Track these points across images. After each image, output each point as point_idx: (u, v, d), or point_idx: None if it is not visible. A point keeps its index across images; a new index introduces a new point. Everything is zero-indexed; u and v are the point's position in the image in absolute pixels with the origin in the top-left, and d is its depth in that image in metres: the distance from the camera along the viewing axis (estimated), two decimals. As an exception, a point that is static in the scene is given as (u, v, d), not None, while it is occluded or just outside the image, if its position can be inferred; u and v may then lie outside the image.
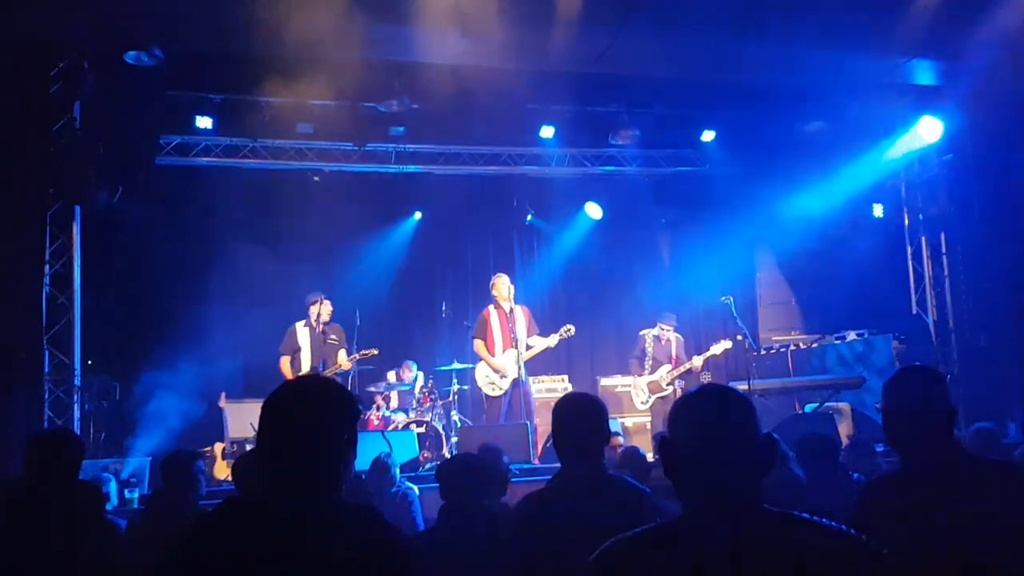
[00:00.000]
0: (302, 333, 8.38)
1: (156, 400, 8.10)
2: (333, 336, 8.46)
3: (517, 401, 8.00)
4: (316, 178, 10.33)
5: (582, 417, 2.82)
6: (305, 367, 8.31)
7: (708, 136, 10.55)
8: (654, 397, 9.06)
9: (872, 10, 6.51)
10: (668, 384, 9.04)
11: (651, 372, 9.15)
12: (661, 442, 1.76)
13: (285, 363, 8.36)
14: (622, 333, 11.29)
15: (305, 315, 8.43)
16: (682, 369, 8.96)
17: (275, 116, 9.22)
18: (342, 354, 8.45)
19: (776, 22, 6.34)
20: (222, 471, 8.30)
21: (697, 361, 8.91)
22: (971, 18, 6.59)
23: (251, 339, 9.53)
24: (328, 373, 8.19)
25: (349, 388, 8.27)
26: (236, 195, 9.86)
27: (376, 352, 8.43)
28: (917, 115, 9.44)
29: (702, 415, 1.73)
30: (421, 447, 8.26)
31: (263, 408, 1.87)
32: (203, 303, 9.69)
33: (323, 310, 8.30)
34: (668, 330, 9.20)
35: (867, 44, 6.75)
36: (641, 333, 9.40)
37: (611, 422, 9.11)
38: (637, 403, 9.20)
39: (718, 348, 8.96)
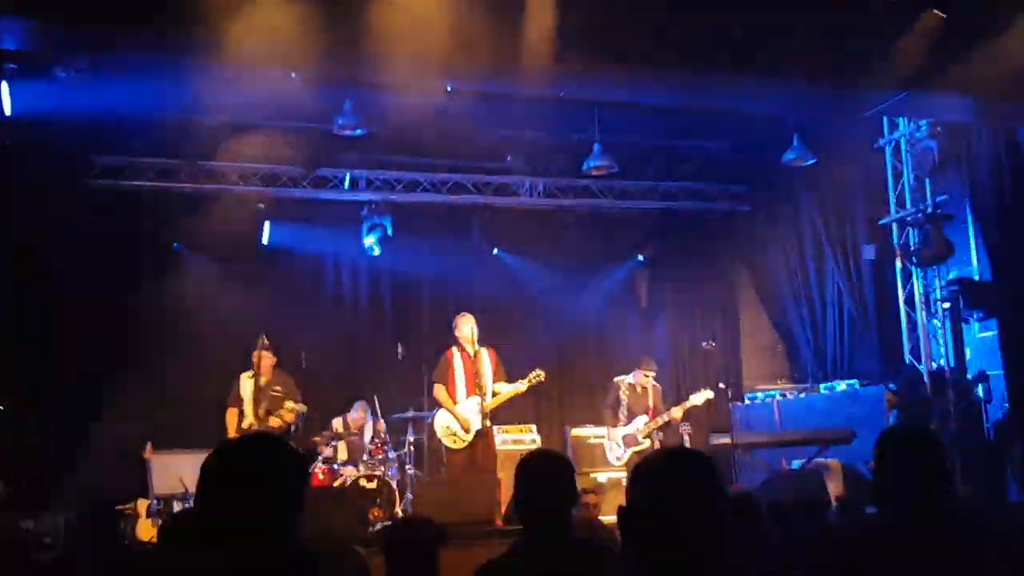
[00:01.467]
0: (245, 384, 8.43)
1: (72, 446, 7.93)
2: (278, 387, 8.48)
3: (481, 454, 7.95)
4: (261, 204, 10.29)
5: (548, 478, 2.83)
6: (248, 419, 8.34)
7: (688, 168, 10.74)
8: (630, 451, 9.01)
9: (861, 45, 6.74)
10: (645, 437, 9.03)
11: (626, 423, 9.15)
12: (620, 514, 1.79)
13: (230, 416, 8.39)
14: (595, 379, 11.32)
15: (250, 365, 8.48)
16: (660, 421, 8.96)
17: (216, 135, 9.19)
18: (288, 406, 8.46)
19: (762, 55, 6.53)
20: (146, 531, 8.10)
21: (676, 412, 8.90)
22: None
23: (185, 382, 9.42)
24: (271, 427, 8.20)
25: (292, 441, 8.31)
26: (171, 222, 9.79)
27: (304, 408, 8.39)
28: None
29: (659, 477, 1.77)
30: (373, 504, 8.15)
31: (201, 472, 1.86)
32: (132, 340, 9.57)
33: (263, 359, 8.41)
34: (648, 377, 9.21)
35: (856, 80, 6.96)
36: (615, 380, 9.34)
37: (587, 476, 9.09)
38: (611, 458, 9.14)
39: (699, 398, 8.97)
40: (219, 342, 9.79)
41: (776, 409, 9.97)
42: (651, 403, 9.18)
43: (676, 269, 12.01)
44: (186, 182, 9.98)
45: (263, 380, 8.46)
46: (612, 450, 9.13)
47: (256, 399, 8.36)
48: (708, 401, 9.02)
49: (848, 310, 10.57)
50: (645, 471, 1.83)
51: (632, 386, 9.25)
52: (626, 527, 1.79)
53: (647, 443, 9.01)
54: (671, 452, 1.86)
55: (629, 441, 9.07)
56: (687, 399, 9.01)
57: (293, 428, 8.45)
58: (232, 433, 8.31)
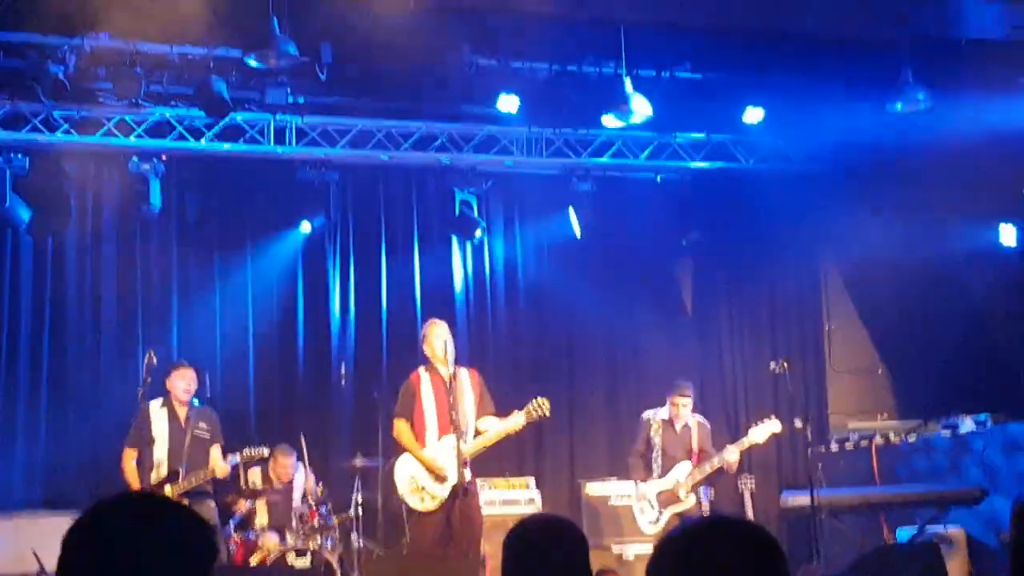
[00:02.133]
0: (158, 417, 8.54)
1: None
2: (203, 424, 8.60)
3: (459, 519, 7.97)
4: (146, 166, 10.26)
5: (549, 556, 2.84)
6: (162, 469, 8.45)
7: (754, 116, 10.74)
8: (668, 513, 9.06)
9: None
10: (689, 492, 9.07)
11: (662, 474, 9.16)
12: None
13: (129, 460, 8.50)
14: (619, 413, 11.36)
15: (163, 391, 8.55)
16: (708, 470, 8.99)
17: (85, 70, 9.16)
18: (215, 452, 8.54)
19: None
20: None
21: (731, 454, 8.93)
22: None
23: (37, 418, 9.43)
24: (188, 483, 8.31)
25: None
26: (25, 191, 9.75)
27: (266, 453, 8.52)
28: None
29: (688, 563, 1.77)
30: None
31: (63, 548, 1.84)
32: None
33: (182, 381, 8.56)
34: (684, 406, 9.25)
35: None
36: (644, 417, 9.42)
37: (607, 552, 9.11)
38: (643, 523, 9.17)
39: (761, 433, 9.00)
40: (93, 360, 9.79)
41: (875, 456, 10.01)
42: (695, 445, 9.22)
43: (734, 259, 12.03)
44: (39, 131, 9.93)
45: (181, 415, 8.58)
46: (644, 512, 9.17)
47: (173, 441, 8.46)
48: (774, 436, 9.05)
49: (982, 317, 10.59)
50: (670, 554, 1.82)
51: (667, 423, 9.29)
52: None
53: (691, 501, 9.06)
54: (706, 525, 1.85)
55: (666, 500, 9.09)
56: (746, 434, 9.06)
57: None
58: (136, 486, 8.37)
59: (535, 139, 11.08)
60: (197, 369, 8.77)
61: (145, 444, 8.50)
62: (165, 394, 8.60)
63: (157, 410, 8.55)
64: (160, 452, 8.47)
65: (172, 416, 8.57)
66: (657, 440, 9.23)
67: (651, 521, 9.11)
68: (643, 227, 11.67)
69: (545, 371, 11.35)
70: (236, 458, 8.47)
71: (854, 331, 12.14)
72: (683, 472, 9.07)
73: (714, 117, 10.97)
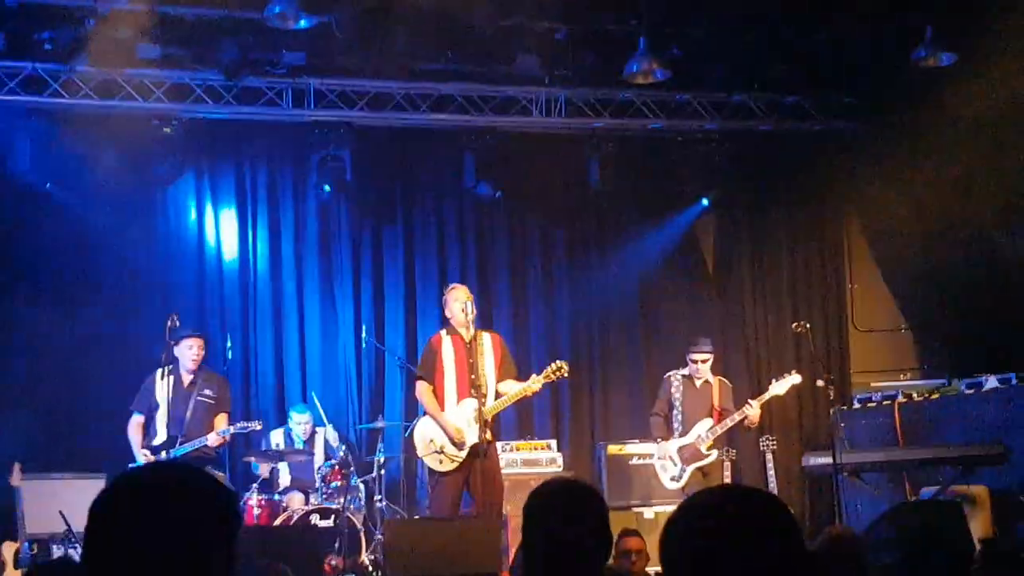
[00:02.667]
0: (162, 384, 8.58)
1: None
2: (208, 391, 8.62)
3: (479, 479, 8.02)
4: (167, 128, 10.28)
5: (569, 518, 2.85)
6: (160, 434, 8.52)
7: (773, 72, 10.67)
8: (690, 469, 9.10)
9: None
10: (710, 448, 9.11)
11: (683, 432, 9.20)
12: None
13: (135, 427, 8.62)
14: (640, 375, 11.37)
15: (172, 358, 8.60)
16: (731, 424, 9.03)
17: (102, 32, 9.17)
18: (220, 420, 8.62)
19: None
20: (14, 586, 8.22)
21: (752, 410, 8.97)
22: None
23: (68, 382, 9.51)
24: (190, 449, 8.35)
25: (223, 468, 8.41)
26: (39, 155, 9.79)
27: (258, 426, 8.56)
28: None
29: (700, 531, 1.77)
30: (329, 550, 8.24)
31: (90, 516, 1.86)
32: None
33: (187, 349, 8.58)
34: (704, 363, 9.27)
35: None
36: (666, 376, 9.48)
37: (629, 512, 9.16)
38: (665, 480, 9.24)
39: (782, 386, 9.08)
40: (112, 324, 9.85)
41: (897, 415, 9.98)
42: (716, 402, 9.24)
43: (755, 218, 11.99)
44: (60, 96, 9.96)
45: (186, 381, 8.58)
46: (666, 469, 9.21)
47: (174, 408, 8.49)
48: (795, 388, 9.07)
49: (1008, 275, 10.52)
50: (682, 522, 1.83)
51: (688, 380, 9.32)
52: None
53: (713, 456, 9.09)
54: (718, 494, 1.85)
55: (688, 455, 9.12)
56: (767, 389, 9.11)
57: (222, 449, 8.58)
58: (138, 450, 8.46)
59: (554, 99, 11.02)
60: (205, 336, 8.79)
61: (149, 410, 8.60)
62: (174, 361, 8.64)
63: (162, 378, 8.59)
64: (161, 419, 8.56)
65: (177, 382, 8.60)
66: (678, 396, 9.27)
67: (673, 477, 9.15)
68: (663, 188, 11.64)
69: (565, 334, 11.36)
70: (228, 429, 8.49)
71: (877, 290, 12.09)
72: (704, 428, 9.11)
73: (734, 75, 10.89)
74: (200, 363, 8.72)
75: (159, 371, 8.63)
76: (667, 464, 9.21)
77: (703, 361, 9.25)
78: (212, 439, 8.43)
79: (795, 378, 9.09)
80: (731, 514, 1.80)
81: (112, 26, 9.11)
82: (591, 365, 11.43)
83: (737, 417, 8.97)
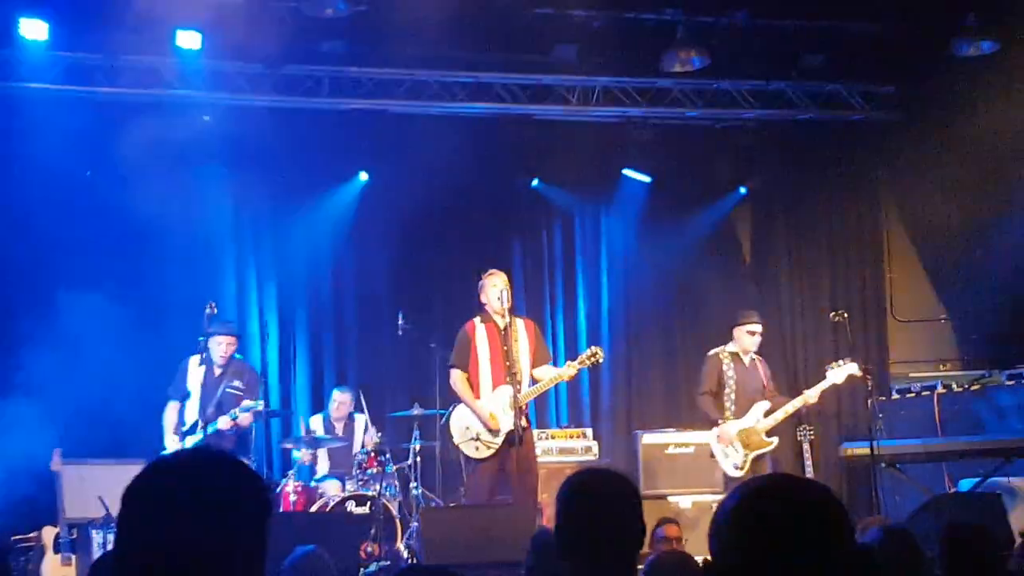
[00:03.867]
0: (195, 372, 8.71)
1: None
2: (237, 382, 8.71)
3: (514, 467, 8.01)
4: (206, 117, 10.33)
5: (603, 507, 2.84)
6: (188, 422, 8.65)
7: (812, 61, 10.59)
8: (751, 456, 8.77)
9: None
10: (769, 434, 8.78)
11: (737, 413, 8.86)
12: (713, 571, 1.79)
13: (170, 412, 8.73)
14: (675, 364, 11.33)
15: (205, 347, 8.68)
16: (791, 411, 8.73)
17: (143, 23, 9.21)
18: (246, 404, 8.62)
19: None
20: (55, 570, 8.28)
21: (812, 395, 8.74)
22: None
23: (107, 368, 9.57)
24: (208, 434, 8.43)
25: (247, 453, 8.46)
26: (83, 143, 9.86)
27: (260, 406, 8.58)
28: None
29: (752, 523, 1.75)
30: (364, 537, 8.25)
31: (124, 501, 1.87)
32: (33, 310, 9.71)
33: (219, 343, 8.68)
34: (752, 336, 8.99)
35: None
36: (712, 353, 9.13)
37: (663, 502, 9.09)
38: (728, 467, 8.85)
39: (840, 374, 8.76)
40: (154, 310, 9.91)
41: (937, 406, 9.89)
42: (766, 383, 9.03)
43: (794, 206, 11.91)
44: (102, 86, 10.03)
45: (217, 371, 8.68)
46: (727, 456, 8.84)
47: (205, 395, 8.59)
48: (852, 378, 8.80)
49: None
50: (733, 513, 1.81)
51: (735, 357, 9.03)
52: None
53: (775, 442, 8.81)
54: (768, 483, 1.83)
55: (748, 440, 8.80)
56: (824, 376, 8.80)
57: (249, 434, 8.60)
58: (169, 435, 8.54)
59: (591, 88, 10.98)
60: (236, 334, 8.86)
61: (182, 397, 8.70)
62: (207, 350, 8.69)
63: (195, 366, 8.69)
64: (192, 406, 8.67)
65: (209, 372, 8.69)
66: (731, 375, 8.91)
67: (736, 465, 8.77)
68: (701, 175, 11.59)
69: (601, 320, 11.34)
70: (235, 412, 8.49)
71: (916, 280, 11.99)
72: (761, 411, 8.79)
73: (772, 63, 10.81)
74: (230, 356, 8.77)
75: (193, 358, 8.71)
76: (728, 449, 8.82)
77: (760, 333, 8.98)
78: (222, 422, 8.47)
79: (852, 367, 8.77)
80: (785, 503, 1.78)
81: (151, 15, 9.15)
82: (627, 353, 11.39)
83: (798, 404, 8.74)
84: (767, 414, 8.78)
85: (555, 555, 2.90)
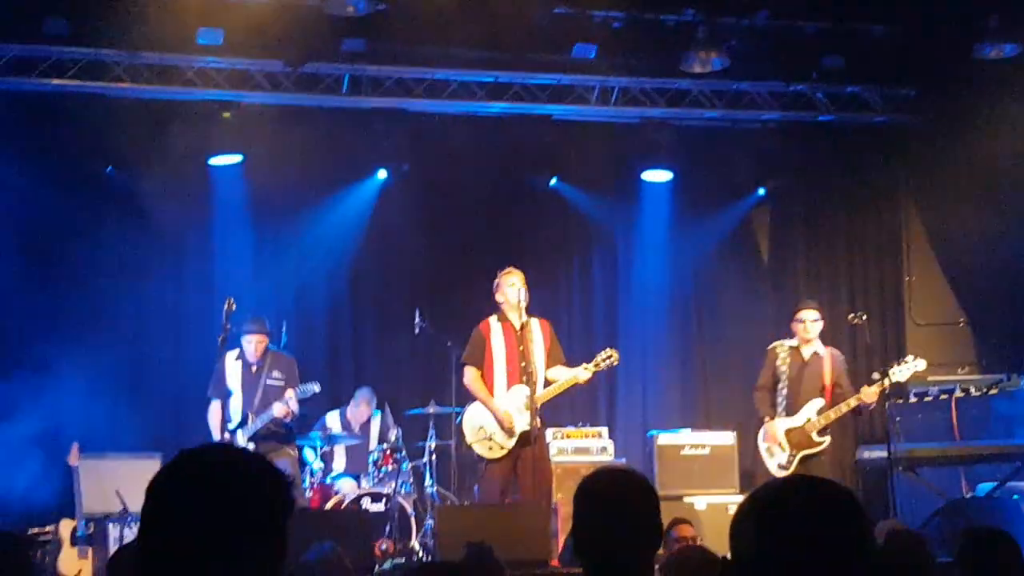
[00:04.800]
0: (233, 368, 8.75)
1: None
2: (276, 373, 8.72)
3: (529, 467, 8.01)
4: (226, 114, 10.35)
5: (619, 507, 2.83)
6: (235, 418, 8.66)
7: (833, 63, 10.55)
8: (799, 456, 8.50)
9: None
10: (821, 433, 8.51)
11: (789, 411, 8.62)
12: (722, 570, 1.79)
13: (214, 411, 8.72)
14: (693, 365, 11.31)
15: (239, 343, 8.74)
16: (845, 410, 8.44)
17: (164, 18, 9.24)
18: (291, 397, 8.64)
19: None
20: (71, 565, 8.33)
21: (870, 394, 8.37)
22: None
23: (126, 363, 9.63)
24: (260, 425, 8.50)
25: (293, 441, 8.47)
26: (103, 140, 9.91)
27: (318, 388, 8.61)
28: None
29: (773, 522, 1.74)
30: (379, 534, 8.27)
31: (147, 495, 1.89)
32: (50, 302, 9.77)
33: (252, 346, 8.72)
34: (814, 322, 8.68)
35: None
36: (771, 347, 8.91)
37: (679, 503, 9.08)
38: (771, 466, 8.62)
39: (904, 371, 8.46)
40: (172, 308, 9.96)
41: (954, 410, 9.85)
42: (828, 380, 8.66)
43: (813, 208, 11.88)
44: (122, 82, 10.06)
45: (254, 367, 8.75)
46: (773, 455, 8.63)
47: (246, 390, 8.64)
48: (917, 374, 8.57)
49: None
50: (749, 514, 1.81)
51: (795, 352, 8.78)
52: None
53: (826, 443, 8.56)
54: (790, 485, 1.83)
55: (796, 439, 8.55)
56: (885, 373, 8.43)
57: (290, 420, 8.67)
58: (217, 435, 8.62)
59: (611, 87, 10.97)
60: (266, 332, 8.83)
61: (224, 396, 8.69)
62: (234, 345, 8.72)
63: (232, 362, 8.72)
64: (236, 403, 8.68)
65: (246, 367, 8.72)
66: (784, 370, 8.68)
67: (781, 465, 8.53)
68: (720, 176, 11.56)
69: (618, 320, 11.34)
70: (292, 397, 8.49)
71: (936, 283, 11.93)
72: (814, 408, 8.53)
73: (793, 65, 10.78)
74: (264, 350, 8.80)
75: (229, 355, 8.73)
76: (775, 448, 8.59)
77: (813, 321, 8.67)
78: (277, 409, 8.48)
79: (919, 363, 8.51)
80: (804, 505, 1.78)
81: (173, 12, 9.19)
82: (644, 354, 11.38)
83: (853, 403, 8.39)
84: (820, 412, 8.53)
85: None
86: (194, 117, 10.14)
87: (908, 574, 3.91)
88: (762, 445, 8.74)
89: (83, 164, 10.17)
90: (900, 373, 8.51)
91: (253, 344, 8.72)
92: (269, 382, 8.67)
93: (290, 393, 8.52)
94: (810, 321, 8.71)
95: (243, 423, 8.56)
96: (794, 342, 8.79)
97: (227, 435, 8.56)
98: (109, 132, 9.94)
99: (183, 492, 1.88)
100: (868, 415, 10.87)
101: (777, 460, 8.59)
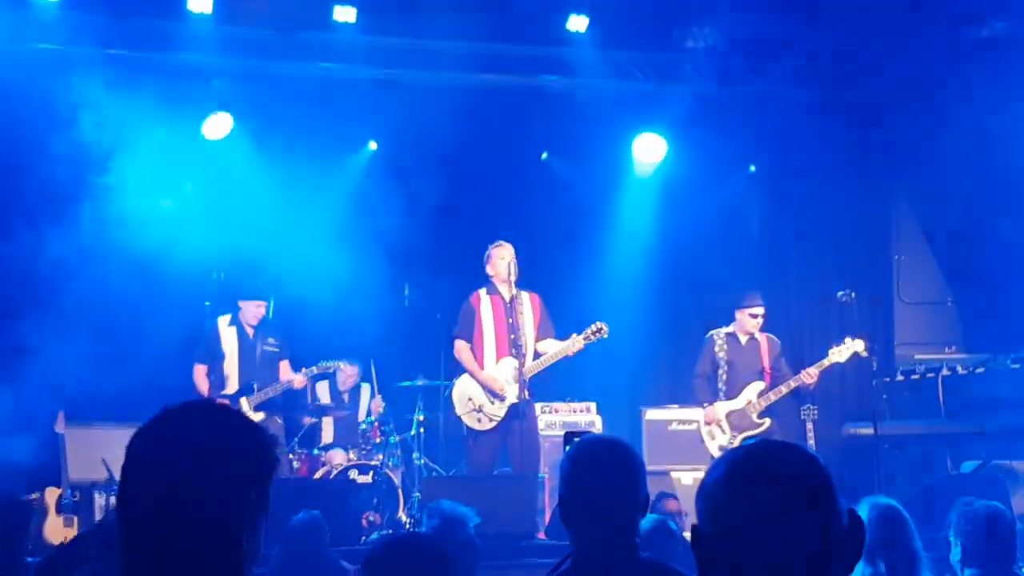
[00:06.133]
0: (227, 335, 8.77)
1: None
2: (271, 339, 8.73)
3: (517, 439, 8.04)
4: (216, 82, 10.30)
5: (606, 476, 2.84)
6: (231, 382, 8.68)
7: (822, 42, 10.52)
8: (740, 437, 8.76)
9: None
10: (761, 415, 8.77)
11: (729, 394, 8.85)
12: (692, 536, 1.77)
13: (200, 374, 8.77)
14: (681, 340, 11.31)
15: (233, 307, 8.78)
16: (785, 391, 8.65)
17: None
18: (284, 366, 8.71)
19: None
20: (56, 532, 8.33)
21: (809, 375, 8.59)
22: None
23: (112, 331, 9.59)
24: (265, 395, 8.55)
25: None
26: (88, 107, 9.83)
27: (343, 365, 8.66)
28: None
29: (734, 488, 1.73)
30: (367, 506, 8.29)
31: (128, 452, 1.86)
32: (38, 272, 9.72)
33: (254, 310, 8.84)
34: (755, 320, 8.96)
35: None
36: (709, 335, 9.15)
37: (665, 477, 9.11)
38: (713, 449, 8.85)
39: (843, 352, 8.63)
40: (160, 275, 9.92)
41: (941, 388, 9.89)
42: (765, 363, 8.90)
43: (802, 185, 11.87)
44: (112, 47, 9.99)
45: (250, 332, 8.76)
46: (715, 436, 8.83)
47: (243, 357, 8.62)
48: (856, 355, 8.67)
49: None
50: (716, 479, 1.80)
51: (732, 337, 8.98)
52: (701, 555, 1.78)
53: (766, 424, 8.75)
54: (754, 450, 1.82)
55: (738, 421, 8.76)
56: (827, 355, 8.67)
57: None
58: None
59: (604, 61, 10.93)
60: (269, 299, 8.93)
61: (215, 359, 8.71)
62: (236, 311, 8.73)
63: (226, 327, 8.73)
64: (230, 367, 8.70)
65: (242, 332, 8.73)
66: (723, 356, 8.88)
67: (722, 447, 8.70)
68: (711, 153, 11.54)
69: (607, 295, 11.33)
70: (313, 371, 8.59)
71: (923, 262, 11.96)
72: (754, 392, 8.75)
73: (784, 40, 10.75)
74: (262, 317, 8.90)
75: (222, 319, 8.77)
76: (715, 431, 8.84)
77: (762, 316, 8.90)
78: (297, 381, 8.59)
79: (857, 345, 8.63)
80: (768, 469, 1.77)
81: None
82: (632, 329, 11.37)
83: (793, 383, 8.60)
84: (761, 395, 8.72)
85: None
86: (182, 83, 10.08)
87: (890, 548, 3.92)
88: (704, 429, 8.91)
89: (74, 129, 10.10)
90: (839, 354, 8.63)
91: (252, 309, 8.73)
92: (266, 348, 8.71)
93: (289, 372, 8.60)
94: (761, 316, 8.92)
95: (246, 391, 8.55)
96: (731, 329, 8.97)
97: (227, 402, 8.55)
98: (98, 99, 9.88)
99: (164, 448, 1.85)
100: (854, 390, 10.98)
101: (718, 442, 8.77)
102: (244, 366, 8.64)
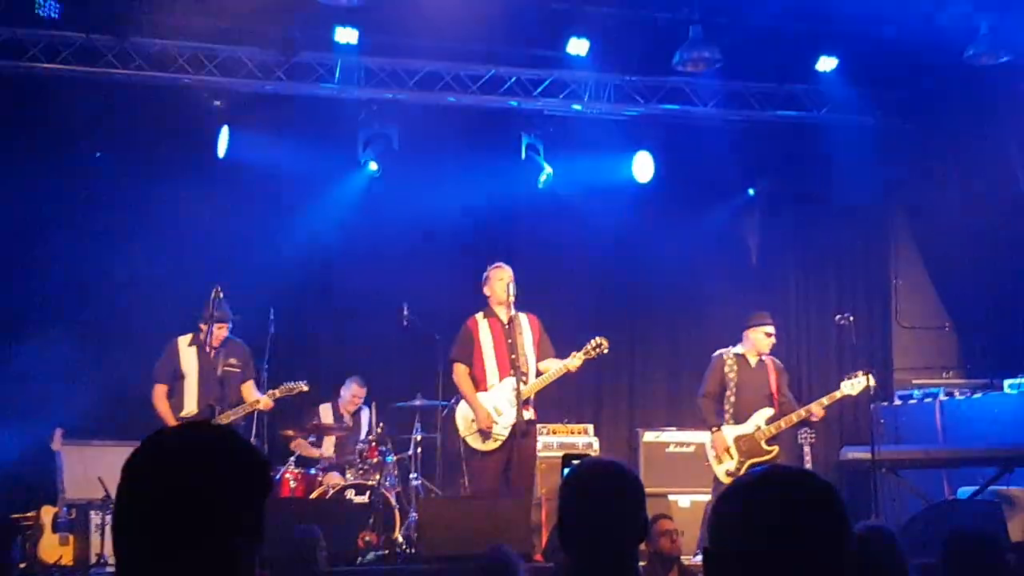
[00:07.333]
0: (187, 354, 8.57)
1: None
2: (233, 360, 8.57)
3: (516, 460, 8.02)
4: (217, 102, 10.33)
5: (605, 499, 2.82)
6: (190, 404, 8.44)
7: (826, 65, 10.55)
8: (747, 464, 8.44)
9: None
10: (770, 442, 8.53)
11: (736, 417, 8.57)
12: (705, 559, 1.78)
13: (160, 396, 8.49)
14: (680, 363, 11.31)
15: (194, 327, 8.59)
16: (796, 420, 8.44)
17: (157, 4, 9.22)
18: (248, 388, 8.59)
19: None
20: (52, 551, 8.29)
21: (818, 407, 8.44)
22: None
23: (109, 350, 9.59)
24: (227, 418, 8.31)
25: (253, 433, 8.44)
26: (93, 125, 9.86)
27: (306, 388, 8.57)
28: None
29: (751, 512, 1.74)
30: (363, 526, 8.26)
31: (123, 474, 1.87)
32: (34, 290, 9.73)
33: (216, 332, 8.54)
34: (769, 338, 8.73)
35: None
36: (717, 354, 8.90)
37: (663, 500, 9.08)
38: (720, 473, 8.57)
39: (854, 386, 8.43)
40: (158, 294, 9.92)
41: (938, 413, 9.90)
42: (773, 388, 8.70)
43: (802, 209, 11.89)
44: (113, 67, 10.02)
45: (211, 351, 8.57)
46: (721, 461, 8.57)
47: (203, 376, 8.47)
48: (867, 390, 8.52)
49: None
50: (732, 502, 1.81)
51: (742, 359, 8.76)
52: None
53: (775, 452, 8.55)
54: (770, 475, 1.83)
55: (746, 447, 8.50)
56: (838, 388, 8.51)
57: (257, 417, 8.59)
58: (171, 420, 8.43)
59: (604, 84, 10.97)
60: (230, 320, 8.70)
61: (174, 379, 8.46)
62: (196, 331, 8.61)
63: (186, 346, 8.54)
64: (190, 387, 8.44)
65: (201, 352, 8.52)
66: (732, 377, 8.62)
67: (730, 472, 8.45)
68: (710, 175, 11.56)
69: (606, 318, 11.31)
70: (275, 394, 8.48)
71: (922, 286, 11.99)
72: (764, 418, 8.51)
73: (785, 66, 10.79)
74: (224, 338, 8.65)
75: (182, 339, 8.57)
76: (723, 455, 8.54)
77: (771, 335, 8.70)
78: (263, 403, 8.43)
79: (867, 380, 8.44)
80: (783, 497, 1.77)
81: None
82: (631, 351, 11.38)
83: (804, 413, 8.41)
84: (769, 421, 8.52)
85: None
86: (185, 103, 10.11)
87: (881, 572, 3.91)
88: (710, 452, 8.67)
89: (70, 150, 10.11)
90: (850, 387, 8.47)
91: (215, 331, 8.53)
92: (226, 369, 8.52)
93: (254, 392, 8.49)
94: (773, 335, 8.75)
95: (207, 412, 8.36)
96: (740, 350, 8.76)
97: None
98: (97, 119, 9.90)
99: (160, 470, 1.86)
100: (852, 414, 10.97)
101: (725, 467, 8.52)
102: (204, 387, 8.42)
